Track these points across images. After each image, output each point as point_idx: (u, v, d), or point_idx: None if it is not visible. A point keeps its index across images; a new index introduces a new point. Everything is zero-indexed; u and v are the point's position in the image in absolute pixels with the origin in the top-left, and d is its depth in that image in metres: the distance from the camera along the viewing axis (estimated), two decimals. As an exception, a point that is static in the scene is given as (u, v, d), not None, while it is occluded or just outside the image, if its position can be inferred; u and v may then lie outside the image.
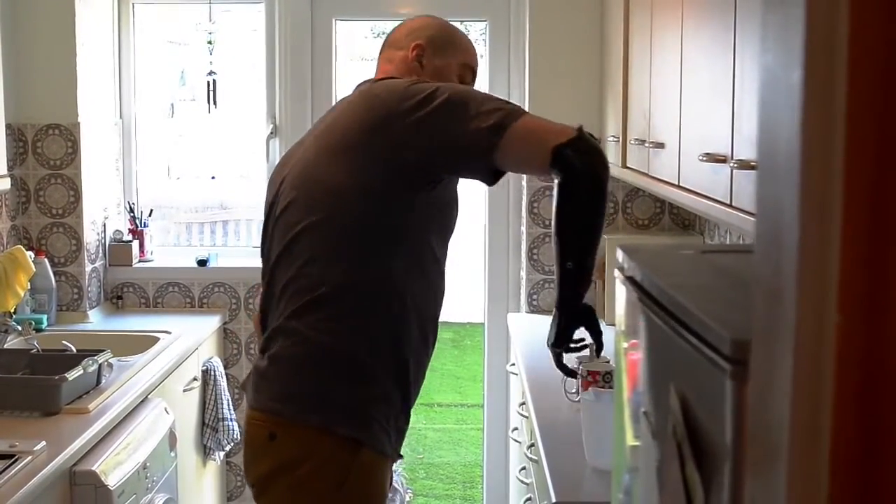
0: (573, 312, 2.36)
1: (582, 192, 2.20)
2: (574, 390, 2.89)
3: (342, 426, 2.21)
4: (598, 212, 2.25)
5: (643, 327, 1.37)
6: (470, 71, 2.61)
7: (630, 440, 1.45)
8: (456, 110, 2.22)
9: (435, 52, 2.56)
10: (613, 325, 1.55)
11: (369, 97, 2.33)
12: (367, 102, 2.33)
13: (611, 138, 3.74)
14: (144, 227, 4.51)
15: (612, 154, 3.74)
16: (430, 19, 2.66)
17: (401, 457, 2.43)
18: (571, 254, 2.27)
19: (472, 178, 2.35)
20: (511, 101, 2.41)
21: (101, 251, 4.34)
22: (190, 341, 3.83)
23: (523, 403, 3.37)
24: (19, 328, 3.53)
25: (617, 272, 1.55)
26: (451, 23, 2.68)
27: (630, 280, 1.44)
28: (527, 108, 4.15)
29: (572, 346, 2.43)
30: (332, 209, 2.24)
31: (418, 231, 2.31)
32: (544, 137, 2.18)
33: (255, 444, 2.27)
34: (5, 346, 3.45)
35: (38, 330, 3.79)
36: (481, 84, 4.47)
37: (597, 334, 2.48)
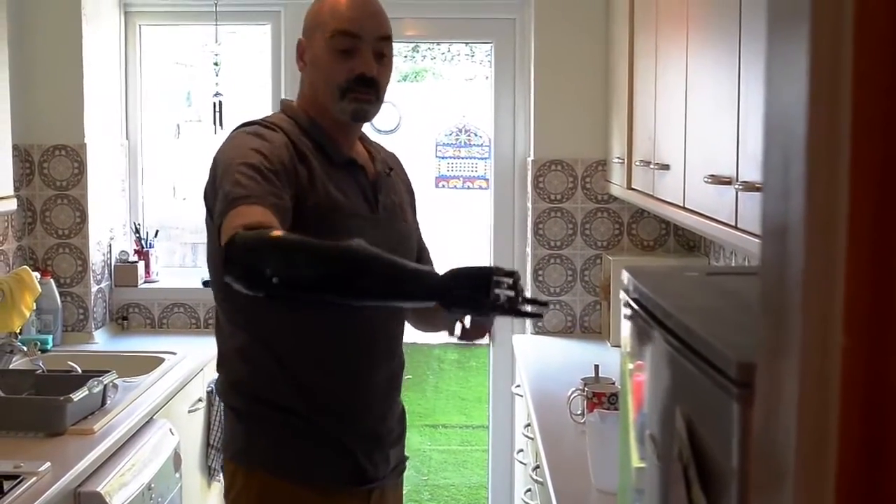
0: (445, 299, 1.93)
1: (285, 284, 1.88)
2: (580, 412, 2.88)
3: (237, 454, 2.27)
4: (297, 278, 1.90)
5: (648, 349, 1.37)
6: (346, 37, 2.23)
7: (636, 462, 1.44)
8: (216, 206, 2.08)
9: (308, 39, 2.31)
10: (619, 346, 1.55)
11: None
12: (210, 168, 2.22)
13: (616, 160, 3.75)
14: (150, 247, 4.51)
15: (617, 175, 3.75)
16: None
17: (355, 484, 2.27)
18: (363, 296, 1.98)
19: None
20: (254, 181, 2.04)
21: (106, 272, 4.35)
22: (195, 362, 3.83)
23: (528, 425, 3.36)
24: (25, 349, 3.53)
25: (622, 294, 1.55)
26: None
27: (635, 302, 1.44)
28: (532, 130, 4.20)
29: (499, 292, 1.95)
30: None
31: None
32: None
33: None
34: (11, 367, 3.45)
35: (44, 350, 3.79)
36: (486, 106, 4.49)
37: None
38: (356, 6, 2.27)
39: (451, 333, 2.32)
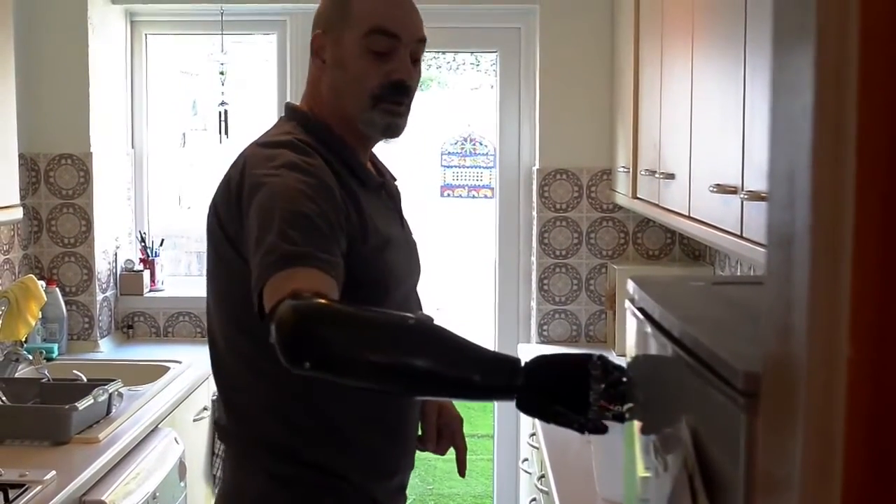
0: (527, 405, 1.60)
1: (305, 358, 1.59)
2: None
3: None
4: (339, 362, 1.60)
5: (654, 359, 1.36)
6: (385, 36, 1.94)
7: (641, 472, 1.44)
8: (251, 242, 1.79)
9: (332, 35, 1.98)
10: (624, 355, 1.54)
11: (224, 179, 1.98)
12: (222, 189, 1.97)
13: (621, 169, 3.75)
14: (155, 256, 4.52)
15: (622, 185, 3.75)
16: None
17: None
18: (410, 390, 1.74)
19: None
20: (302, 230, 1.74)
21: (112, 280, 4.35)
22: (200, 371, 3.83)
23: (534, 434, 3.35)
24: (30, 357, 3.53)
25: (627, 303, 1.54)
26: None
27: (641, 311, 1.44)
28: (538, 140, 4.19)
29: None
30: None
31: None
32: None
33: None
34: (16, 375, 3.45)
35: (49, 359, 3.79)
36: (491, 115, 4.49)
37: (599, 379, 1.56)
38: (396, 0, 2.00)
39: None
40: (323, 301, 1.62)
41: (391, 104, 1.96)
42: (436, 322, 1.65)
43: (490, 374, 1.58)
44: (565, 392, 1.55)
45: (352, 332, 1.60)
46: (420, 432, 2.19)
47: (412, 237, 2.18)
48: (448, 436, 2.19)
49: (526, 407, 1.58)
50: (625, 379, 1.54)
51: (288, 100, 4.31)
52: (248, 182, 1.85)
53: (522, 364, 1.59)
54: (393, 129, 2.00)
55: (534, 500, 3.30)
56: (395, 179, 2.20)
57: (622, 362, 1.55)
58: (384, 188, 2.08)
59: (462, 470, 2.20)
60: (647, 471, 1.40)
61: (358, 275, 1.82)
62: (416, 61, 2.00)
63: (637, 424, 1.48)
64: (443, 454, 2.21)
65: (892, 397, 0.67)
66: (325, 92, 2.01)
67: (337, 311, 1.63)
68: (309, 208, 1.76)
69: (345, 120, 1.99)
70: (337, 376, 1.61)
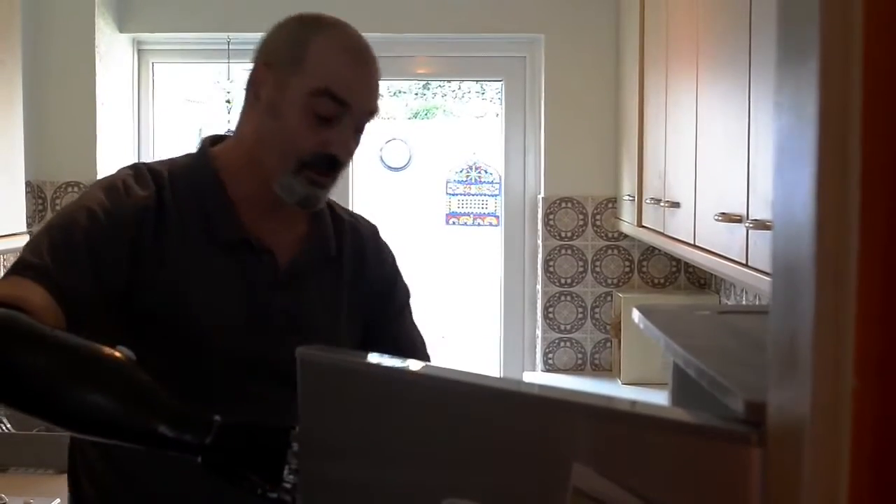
0: (210, 464, 1.42)
1: None
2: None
3: None
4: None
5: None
6: (334, 102, 1.66)
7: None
8: None
9: (276, 74, 1.71)
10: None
11: None
12: None
13: (626, 197, 3.75)
14: (161, 283, 4.51)
15: (627, 213, 3.75)
16: (288, 20, 1.78)
17: None
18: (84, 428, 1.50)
19: None
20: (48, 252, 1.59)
21: (117, 308, 4.35)
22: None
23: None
24: (35, 384, 3.53)
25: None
26: (345, 28, 1.75)
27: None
28: (543, 168, 4.20)
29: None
30: None
31: None
32: None
33: None
34: (20, 403, 3.45)
35: (54, 386, 3.78)
36: (497, 143, 4.50)
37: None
38: (358, 63, 1.71)
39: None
40: (7, 311, 1.47)
41: (317, 174, 1.68)
42: (138, 366, 1.47)
43: (177, 427, 1.42)
44: (257, 461, 1.40)
45: (30, 350, 1.45)
46: None
47: (298, 329, 1.71)
48: None
49: (212, 468, 1.42)
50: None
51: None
52: None
53: (217, 423, 1.43)
54: (310, 201, 1.72)
55: None
56: (338, 251, 1.85)
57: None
58: (267, 252, 1.75)
59: None
60: None
61: (159, 336, 1.66)
62: (359, 131, 1.73)
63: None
64: None
65: (898, 428, 0.67)
66: (248, 133, 1.75)
67: (19, 322, 1.47)
68: (75, 224, 1.63)
69: (257, 171, 1.73)
70: (3, 398, 1.47)
